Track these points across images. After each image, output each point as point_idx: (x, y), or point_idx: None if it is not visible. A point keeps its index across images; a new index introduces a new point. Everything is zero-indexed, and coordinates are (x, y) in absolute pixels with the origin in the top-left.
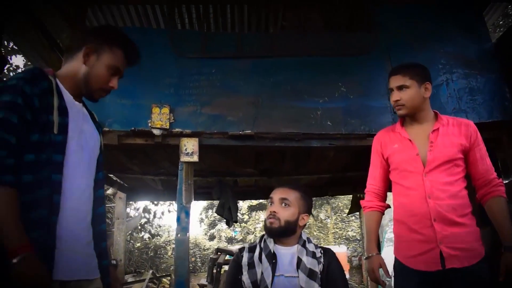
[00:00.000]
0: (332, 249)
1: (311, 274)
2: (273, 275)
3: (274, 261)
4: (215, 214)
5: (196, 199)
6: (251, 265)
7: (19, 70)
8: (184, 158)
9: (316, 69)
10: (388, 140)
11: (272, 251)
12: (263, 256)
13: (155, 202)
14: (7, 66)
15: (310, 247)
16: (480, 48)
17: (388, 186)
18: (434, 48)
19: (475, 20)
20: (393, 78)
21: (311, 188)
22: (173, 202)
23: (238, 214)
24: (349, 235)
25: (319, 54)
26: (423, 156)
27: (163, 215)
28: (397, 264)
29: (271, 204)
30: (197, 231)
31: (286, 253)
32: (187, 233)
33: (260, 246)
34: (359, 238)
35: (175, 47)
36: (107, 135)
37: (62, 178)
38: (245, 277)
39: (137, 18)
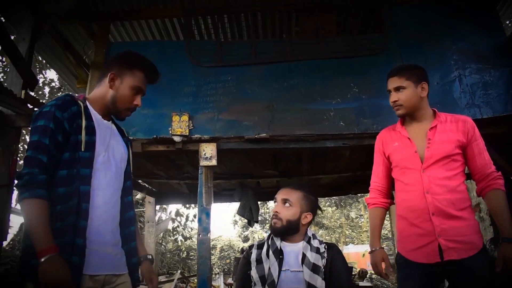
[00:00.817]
0: (367, 248)
1: (314, 268)
2: (280, 270)
3: (281, 256)
4: (258, 219)
5: (220, 201)
6: (259, 261)
7: (53, 84)
8: (203, 163)
9: (328, 72)
10: (389, 139)
11: (278, 248)
12: (270, 252)
13: (187, 206)
14: (42, 79)
15: (315, 243)
16: (493, 43)
17: (391, 183)
18: (446, 45)
19: (488, 14)
20: (390, 80)
21: (333, 187)
22: None
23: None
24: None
25: (331, 57)
26: (421, 153)
27: (195, 218)
28: (399, 257)
29: (275, 204)
30: (231, 233)
31: (292, 249)
32: (208, 233)
33: (267, 243)
34: (390, 236)
35: (193, 58)
36: (131, 143)
37: (90, 189)
38: (253, 272)
39: (157, 32)
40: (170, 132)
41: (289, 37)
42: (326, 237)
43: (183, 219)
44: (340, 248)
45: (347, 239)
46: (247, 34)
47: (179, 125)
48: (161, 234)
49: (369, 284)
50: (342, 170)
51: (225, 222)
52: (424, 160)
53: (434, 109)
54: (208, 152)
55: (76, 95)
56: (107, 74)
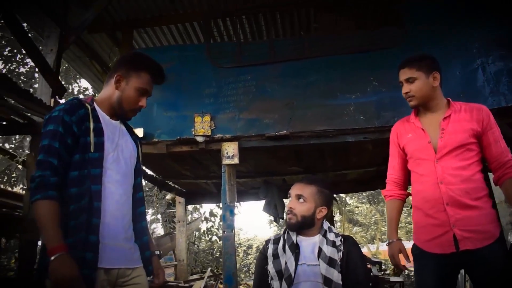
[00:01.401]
0: (407, 246)
1: (330, 262)
2: (296, 264)
3: (297, 251)
4: (284, 216)
5: (249, 199)
6: (275, 255)
7: (87, 92)
8: (225, 161)
9: (347, 66)
10: (403, 130)
11: (294, 242)
12: (287, 247)
13: (221, 205)
14: (77, 88)
15: (331, 236)
16: None
17: (407, 174)
18: (467, 33)
19: None
20: (401, 71)
21: (360, 183)
22: (238, 204)
23: None
24: None
25: (350, 52)
26: (434, 143)
27: None
28: (415, 248)
29: (290, 199)
30: (267, 233)
31: (308, 243)
32: (233, 230)
33: (283, 237)
34: None
35: (213, 59)
36: (156, 145)
37: (101, 188)
38: (270, 267)
39: (178, 35)
40: (193, 133)
41: (307, 34)
42: (362, 234)
43: (217, 219)
44: (376, 245)
45: (383, 236)
46: (266, 33)
47: (201, 126)
48: (195, 234)
49: (400, 279)
50: (366, 164)
51: (261, 222)
52: (438, 150)
53: (448, 99)
54: (230, 151)
55: (84, 98)
56: (113, 75)
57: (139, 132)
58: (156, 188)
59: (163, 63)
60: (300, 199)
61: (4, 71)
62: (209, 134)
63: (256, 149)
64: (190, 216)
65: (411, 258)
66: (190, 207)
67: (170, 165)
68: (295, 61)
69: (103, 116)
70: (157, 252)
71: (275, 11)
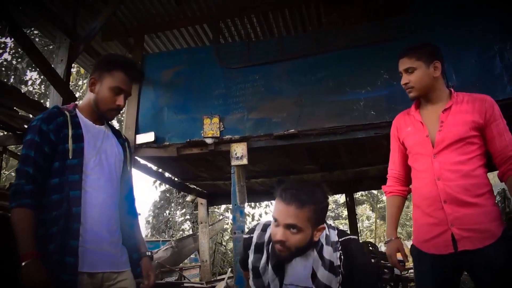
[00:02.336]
0: None
1: None
2: (281, 284)
3: (282, 271)
4: None
5: (268, 199)
6: (256, 272)
7: None
8: (234, 162)
9: (356, 61)
10: (403, 123)
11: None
12: (269, 266)
13: (252, 206)
14: None
15: (327, 253)
16: None
17: (409, 170)
18: (482, 18)
19: None
20: (400, 61)
21: (383, 179)
22: (270, 204)
23: None
24: None
25: (359, 45)
26: (432, 137)
27: (260, 217)
28: (413, 249)
29: (276, 225)
30: None
31: (299, 261)
32: (243, 231)
33: (267, 250)
34: None
35: (221, 60)
36: (167, 148)
37: (80, 193)
38: (251, 283)
39: (189, 38)
40: (202, 134)
41: (315, 29)
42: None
43: (249, 219)
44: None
45: None
46: (277, 31)
47: (210, 128)
48: (222, 235)
49: None
50: (385, 160)
51: None
52: (435, 145)
53: (451, 89)
54: (239, 152)
55: (65, 105)
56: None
57: (150, 136)
58: (175, 191)
59: (173, 67)
60: (293, 229)
61: (37, 82)
62: (218, 135)
63: (266, 149)
64: (218, 217)
65: (410, 258)
66: (221, 209)
67: (186, 167)
68: (303, 58)
69: (84, 121)
70: (148, 253)
71: (284, 8)
